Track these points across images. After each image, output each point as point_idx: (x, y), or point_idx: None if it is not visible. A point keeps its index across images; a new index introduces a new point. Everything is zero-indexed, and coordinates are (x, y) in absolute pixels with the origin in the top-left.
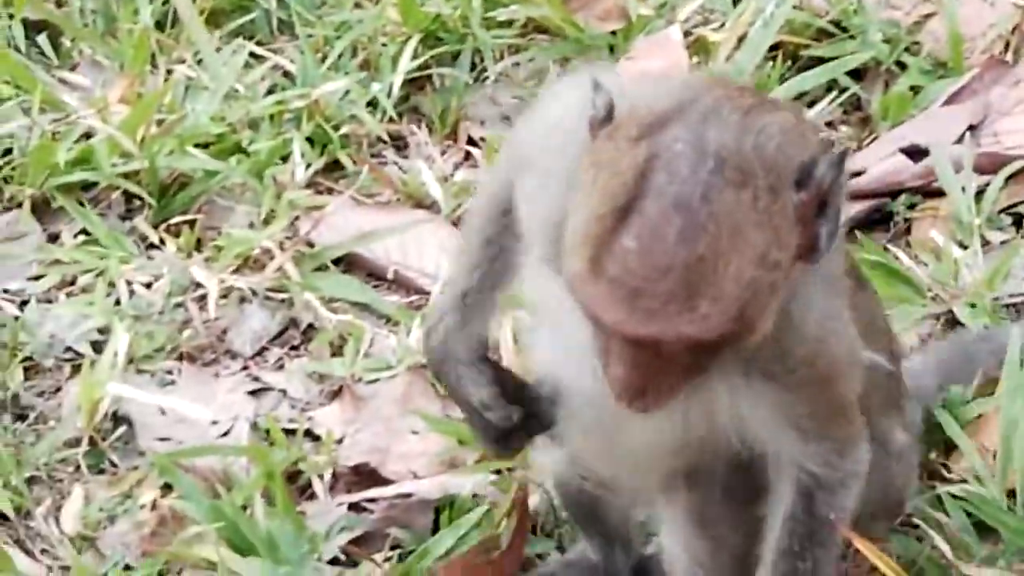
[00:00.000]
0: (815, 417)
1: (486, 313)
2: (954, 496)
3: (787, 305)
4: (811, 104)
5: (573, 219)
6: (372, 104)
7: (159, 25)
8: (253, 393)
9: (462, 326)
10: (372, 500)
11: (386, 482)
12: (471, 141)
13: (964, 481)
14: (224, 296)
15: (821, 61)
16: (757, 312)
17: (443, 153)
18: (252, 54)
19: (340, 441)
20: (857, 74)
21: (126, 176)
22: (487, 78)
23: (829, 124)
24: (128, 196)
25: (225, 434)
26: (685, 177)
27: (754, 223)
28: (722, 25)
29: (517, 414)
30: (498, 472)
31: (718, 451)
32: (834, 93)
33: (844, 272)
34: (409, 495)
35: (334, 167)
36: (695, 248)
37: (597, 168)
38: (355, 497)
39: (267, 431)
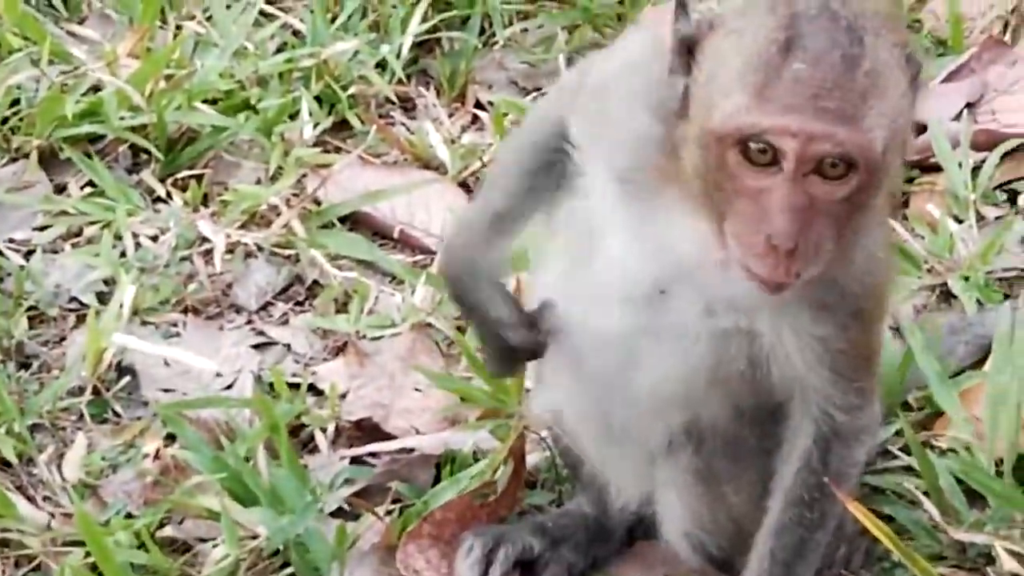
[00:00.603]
0: (850, 359)
1: (510, 239)
2: (946, 459)
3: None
4: None
5: (713, 72)
6: (381, 65)
7: None
8: (257, 347)
9: (487, 244)
10: (374, 455)
11: (388, 437)
12: (479, 105)
13: (953, 450)
14: (230, 251)
15: None
16: (894, 156)
17: (451, 115)
18: (262, 12)
19: (343, 396)
20: None
21: (134, 129)
22: (496, 43)
23: None
24: (135, 149)
25: (229, 387)
26: (829, 26)
27: (895, 63)
28: None
29: (536, 335)
30: (499, 426)
31: (737, 396)
32: None
33: None
34: (411, 450)
35: (342, 126)
36: (859, 69)
37: (737, 34)
38: (358, 451)
39: (271, 384)
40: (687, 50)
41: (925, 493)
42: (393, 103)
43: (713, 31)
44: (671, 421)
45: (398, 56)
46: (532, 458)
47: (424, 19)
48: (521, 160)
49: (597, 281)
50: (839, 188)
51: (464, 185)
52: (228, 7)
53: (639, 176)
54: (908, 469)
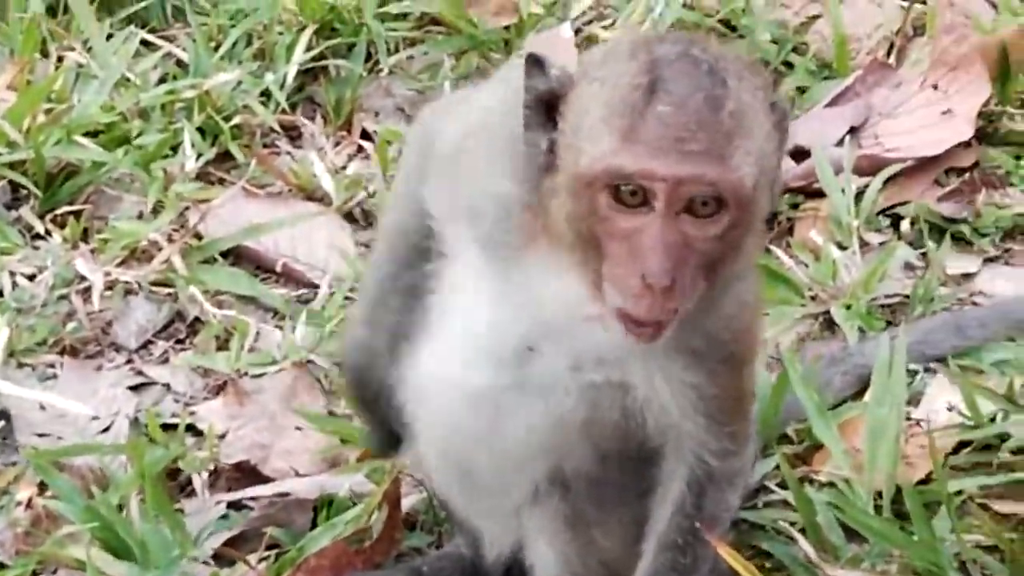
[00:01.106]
0: (723, 403)
1: (402, 318)
2: (824, 492)
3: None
4: None
5: (578, 121)
6: (267, 94)
7: (50, 11)
8: (136, 388)
9: (376, 339)
10: (253, 498)
11: (267, 480)
12: (365, 134)
13: (832, 484)
14: (109, 288)
15: None
16: (763, 194)
17: (337, 144)
18: (144, 42)
19: (223, 436)
20: None
21: (11, 166)
22: (381, 70)
23: None
24: (14, 185)
25: (106, 430)
26: (691, 69)
27: (759, 105)
28: (613, 23)
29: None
30: (375, 469)
31: (607, 444)
32: None
33: None
34: (287, 494)
35: (226, 157)
36: (723, 110)
37: (600, 82)
38: (235, 496)
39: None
40: (546, 105)
41: (802, 529)
42: (278, 132)
43: (576, 83)
44: (537, 471)
45: (283, 85)
46: (411, 500)
47: (310, 47)
48: (394, 249)
49: (464, 340)
50: (711, 226)
51: (349, 216)
52: (110, 37)
53: (503, 237)
54: (787, 503)
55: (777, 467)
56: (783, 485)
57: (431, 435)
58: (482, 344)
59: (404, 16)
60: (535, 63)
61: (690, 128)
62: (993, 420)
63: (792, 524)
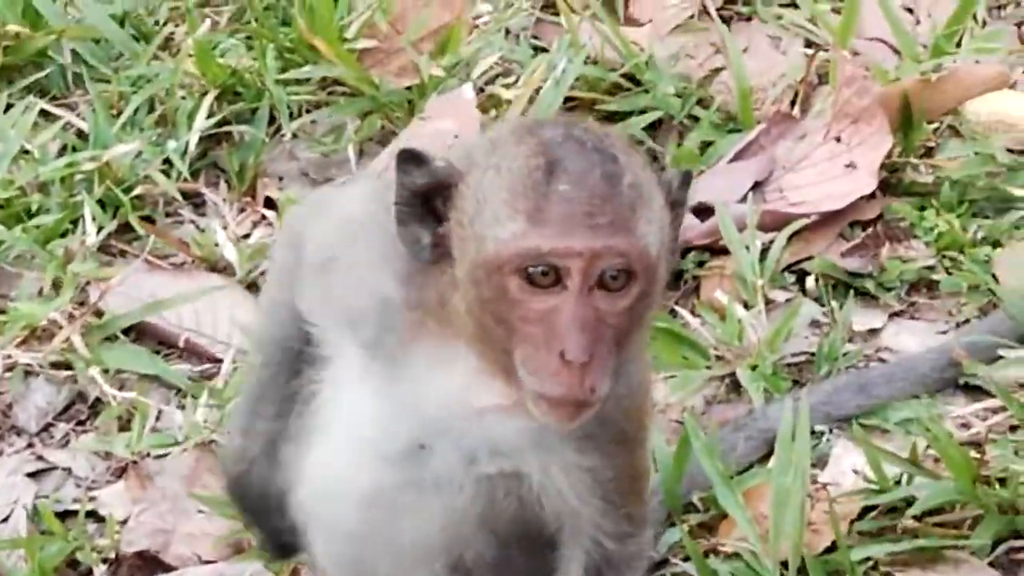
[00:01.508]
0: (619, 485)
1: (279, 429)
2: (730, 563)
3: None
4: None
5: (477, 210)
6: (170, 161)
7: None
8: (36, 474)
9: (252, 447)
10: None
11: (168, 568)
12: (269, 202)
13: (738, 555)
14: (9, 370)
15: (617, 115)
16: (663, 267)
17: (241, 211)
18: (43, 112)
19: (125, 522)
20: (654, 126)
21: None
22: (284, 135)
23: None
24: None
25: (4, 520)
26: (580, 148)
27: (650, 178)
28: (516, 80)
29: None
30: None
31: (506, 533)
32: None
33: None
34: None
35: (128, 229)
36: (622, 183)
37: (495, 169)
38: None
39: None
40: (424, 199)
41: None
42: (181, 201)
43: (466, 173)
44: (437, 564)
45: (185, 152)
46: None
47: (212, 112)
48: (268, 357)
49: (352, 442)
50: (621, 299)
51: (252, 286)
52: (9, 107)
53: (386, 338)
54: None
55: (682, 540)
56: (689, 558)
57: (325, 539)
58: (371, 445)
59: (307, 80)
60: (410, 158)
61: (595, 203)
62: (899, 483)
63: None
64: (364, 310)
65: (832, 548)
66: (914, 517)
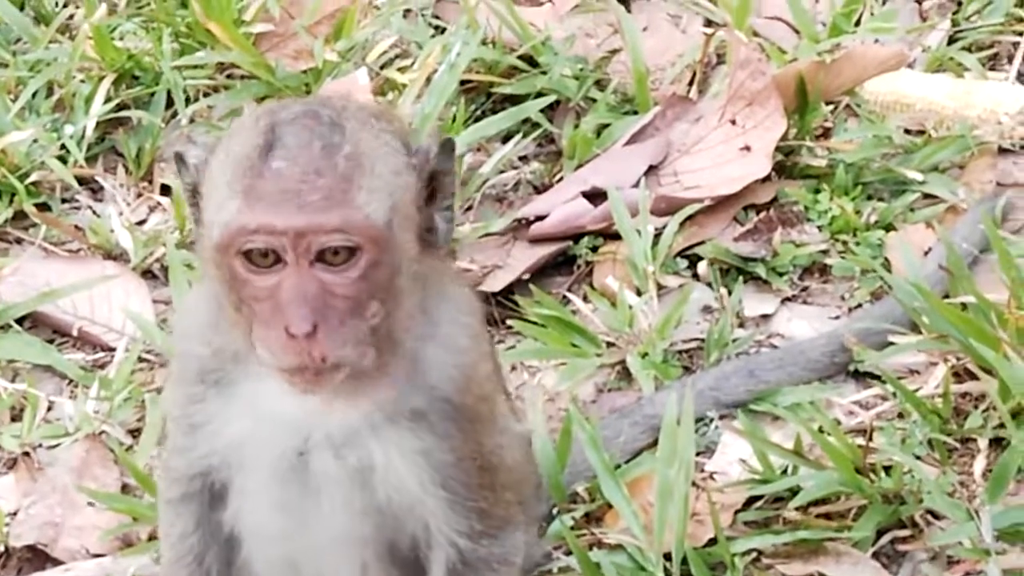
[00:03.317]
0: (464, 475)
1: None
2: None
3: (427, 314)
4: (505, 139)
5: (209, 195)
6: (67, 147)
7: None
8: None
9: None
10: None
11: (56, 562)
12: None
13: (621, 547)
14: None
15: (514, 98)
16: (402, 234)
17: (139, 196)
18: None
19: (15, 514)
20: (552, 108)
21: None
22: (181, 119)
23: (523, 159)
24: None
25: None
26: (309, 123)
27: (386, 144)
28: (413, 63)
29: None
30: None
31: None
32: (527, 126)
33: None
34: None
35: (25, 216)
36: (339, 154)
37: (225, 152)
38: None
39: None
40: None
41: None
42: (78, 188)
43: (208, 163)
44: (364, 554)
45: (83, 137)
46: None
47: (110, 97)
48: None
49: (258, 471)
50: (349, 271)
51: (149, 273)
52: None
53: (226, 373)
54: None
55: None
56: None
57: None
58: (267, 465)
59: (204, 65)
60: (179, 159)
61: (306, 179)
62: (785, 472)
63: None
64: (204, 358)
65: (716, 540)
66: (798, 508)
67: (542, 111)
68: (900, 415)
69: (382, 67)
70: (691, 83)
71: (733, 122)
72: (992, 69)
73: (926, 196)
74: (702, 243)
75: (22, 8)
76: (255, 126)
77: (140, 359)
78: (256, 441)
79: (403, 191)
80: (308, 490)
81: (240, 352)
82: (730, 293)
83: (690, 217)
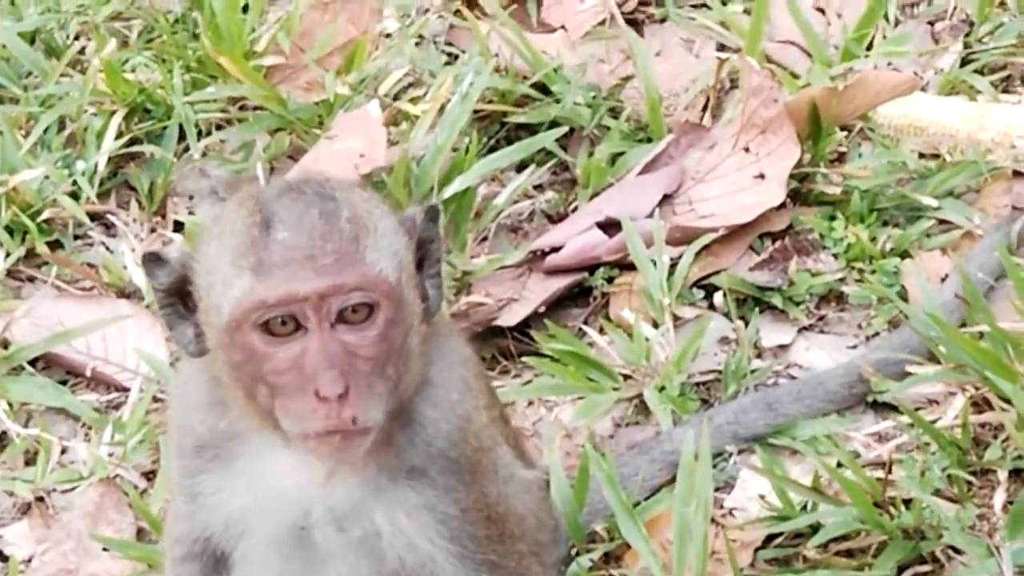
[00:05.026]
0: (470, 527)
1: None
2: None
3: (425, 375)
4: (519, 168)
5: (208, 282)
6: (79, 183)
7: None
8: None
9: None
10: None
11: None
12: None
13: None
14: None
15: (527, 127)
16: (409, 292)
17: (152, 231)
18: None
19: (29, 561)
20: (566, 136)
21: None
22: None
23: (537, 188)
24: None
25: None
26: (297, 196)
27: (375, 208)
28: (425, 94)
29: None
30: None
31: None
32: (541, 155)
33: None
34: None
35: (37, 254)
36: (340, 219)
37: (218, 238)
38: None
39: None
40: (180, 295)
41: None
42: (90, 224)
43: (196, 255)
44: None
45: (95, 172)
46: None
47: (122, 132)
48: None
49: (260, 548)
50: (369, 329)
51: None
52: None
53: (223, 452)
54: None
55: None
56: None
57: None
58: (267, 541)
59: (214, 100)
60: (152, 260)
61: (315, 244)
62: (805, 508)
63: None
64: (203, 436)
65: None
66: (819, 545)
67: (555, 141)
68: (919, 447)
69: (394, 98)
70: (705, 108)
71: (747, 150)
72: (1005, 91)
73: (941, 222)
74: (717, 273)
75: (33, 42)
76: (243, 208)
77: (154, 399)
78: (256, 516)
79: (404, 250)
80: (312, 563)
81: (239, 430)
82: (747, 324)
83: (705, 247)
